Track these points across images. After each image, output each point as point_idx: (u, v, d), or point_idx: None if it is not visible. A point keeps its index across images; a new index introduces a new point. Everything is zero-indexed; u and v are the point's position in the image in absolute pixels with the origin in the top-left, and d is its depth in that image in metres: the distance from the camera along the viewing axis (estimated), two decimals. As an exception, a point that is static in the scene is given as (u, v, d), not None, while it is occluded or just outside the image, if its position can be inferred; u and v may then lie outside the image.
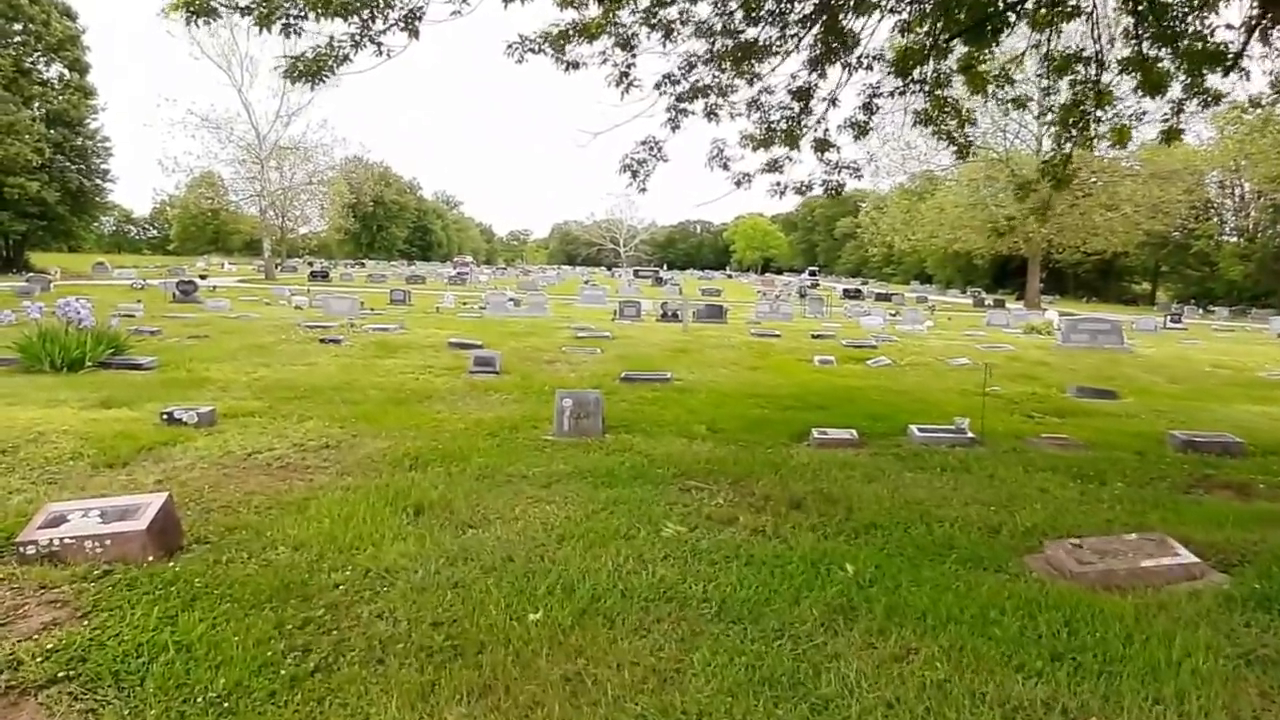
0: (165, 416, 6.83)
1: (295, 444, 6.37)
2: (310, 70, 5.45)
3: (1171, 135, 9.30)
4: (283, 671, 2.91)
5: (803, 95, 8.82)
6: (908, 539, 4.56)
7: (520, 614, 3.43)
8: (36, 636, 3.09)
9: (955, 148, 9.42)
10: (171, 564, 3.78)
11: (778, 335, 18.37)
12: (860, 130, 8.60)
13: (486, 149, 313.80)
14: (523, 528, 4.57)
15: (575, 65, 8.19)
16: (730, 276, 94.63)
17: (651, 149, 8.51)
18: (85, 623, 3.21)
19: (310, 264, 65.52)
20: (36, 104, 41.03)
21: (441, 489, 5.18)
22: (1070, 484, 5.80)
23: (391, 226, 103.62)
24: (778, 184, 9.18)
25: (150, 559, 3.79)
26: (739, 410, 8.45)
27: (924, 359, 14.18)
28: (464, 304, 28.37)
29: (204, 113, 47.04)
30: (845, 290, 55.30)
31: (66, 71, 43.69)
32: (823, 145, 8.75)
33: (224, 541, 4.18)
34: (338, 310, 20.09)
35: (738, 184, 9.38)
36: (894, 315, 29.06)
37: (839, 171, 8.92)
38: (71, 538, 3.80)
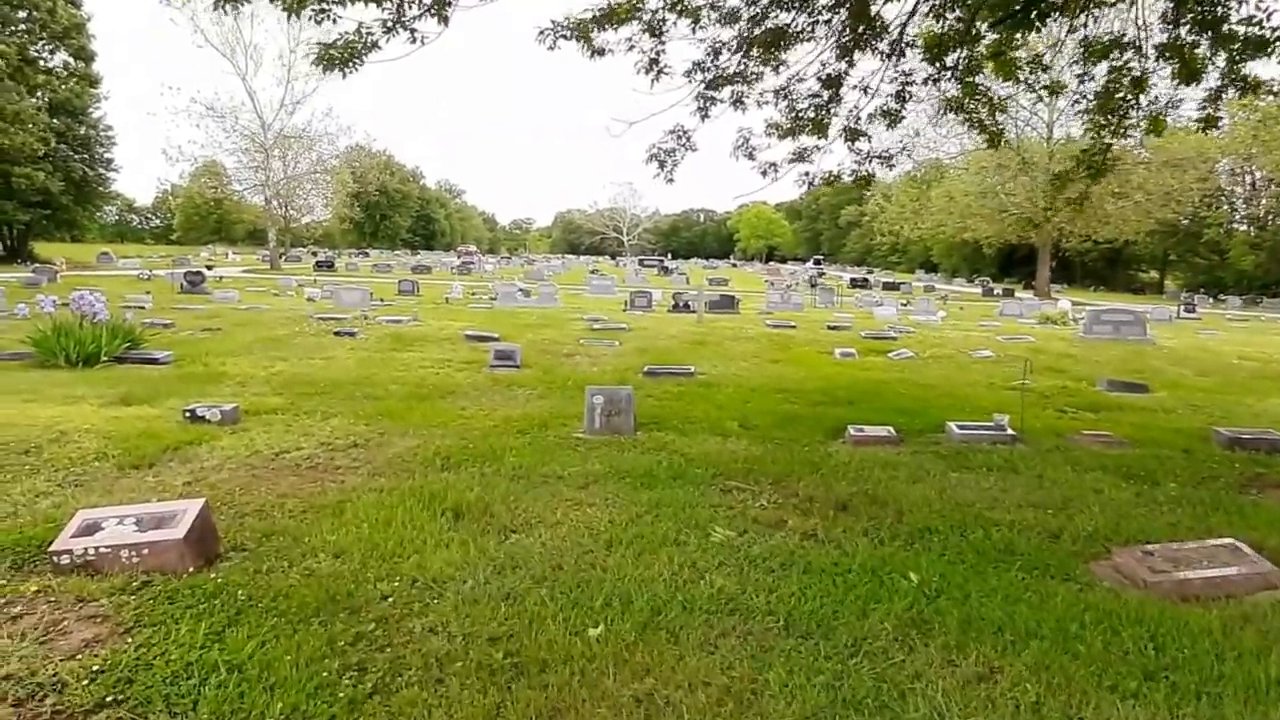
0: (188, 414, 6.68)
1: (322, 443, 6.23)
2: (343, 57, 5.26)
3: (1209, 122, 9.11)
4: (340, 694, 2.76)
5: (832, 83, 8.62)
6: (966, 545, 4.40)
7: (580, 628, 3.28)
8: (79, 656, 2.94)
9: (986, 136, 9.24)
10: (212, 574, 3.63)
11: (793, 326, 18.17)
12: (893, 119, 8.39)
13: (490, 137, 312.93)
14: (567, 533, 4.42)
15: (601, 52, 8.01)
16: (735, 265, 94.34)
17: (680, 138, 8.32)
18: (129, 640, 3.07)
19: (314, 254, 65.39)
20: (40, 93, 40.75)
21: (478, 491, 5.03)
22: (1123, 485, 5.63)
23: (395, 215, 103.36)
24: (806, 174, 9.00)
25: (190, 569, 3.65)
26: (768, 406, 8.28)
27: (945, 351, 13.99)
28: (472, 294, 28.19)
29: (209, 101, 46.73)
30: (853, 279, 55.04)
31: (71, 59, 43.42)
32: (854, 134, 8.55)
33: (262, 549, 4.03)
34: (348, 302, 19.91)
35: (764, 174, 9.20)
36: (905, 305, 28.84)
37: (870, 161, 8.72)
38: (107, 547, 3.65)
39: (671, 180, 8.51)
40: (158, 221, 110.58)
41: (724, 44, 8.54)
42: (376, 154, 74.35)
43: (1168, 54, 8.45)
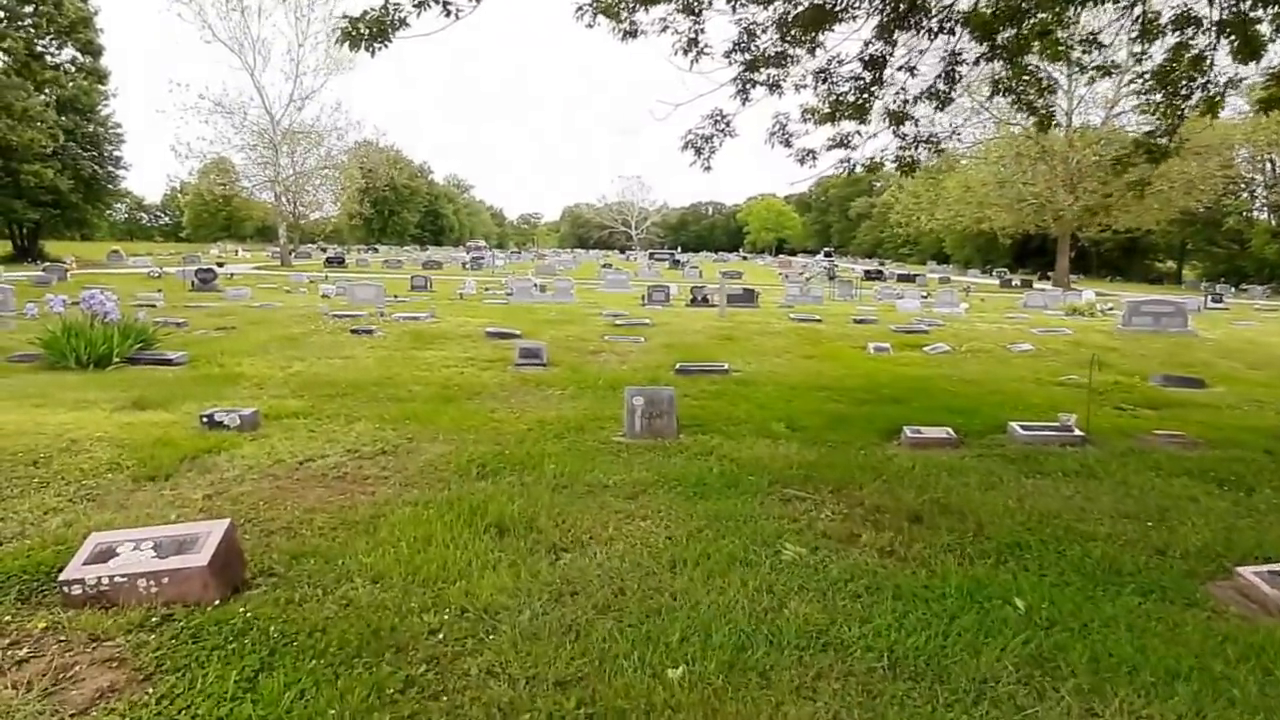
0: (205, 420, 6.31)
1: (349, 450, 5.85)
2: (371, 33, 4.86)
3: (1271, 103, 8.65)
4: (395, 757, 2.38)
5: (875, 64, 8.18)
6: (1065, 563, 3.99)
7: (658, 669, 2.89)
8: (93, 710, 2.57)
9: (1036, 119, 8.78)
10: (239, 606, 3.25)
11: (819, 320, 17.71)
12: (942, 100, 7.93)
13: (498, 132, 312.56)
14: (623, 551, 4.03)
15: (634, 33, 7.62)
16: (745, 258, 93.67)
17: (718, 123, 7.89)
18: (149, 689, 2.69)
19: (324, 250, 65.09)
20: (48, 89, 40.45)
21: (520, 503, 4.64)
22: (1216, 492, 5.21)
23: (403, 211, 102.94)
24: (846, 160, 8.56)
25: (216, 600, 3.27)
26: (812, 405, 7.87)
27: (983, 345, 13.51)
28: (486, 290, 27.80)
29: (217, 97, 46.30)
30: (866, 272, 54.45)
31: (79, 55, 43.09)
32: (899, 118, 8.10)
33: (292, 573, 3.65)
34: (363, 298, 19.53)
35: (801, 161, 8.78)
36: (926, 297, 28.31)
37: (916, 146, 8.27)
38: (123, 575, 3.28)
39: (709, 168, 8.09)
40: (167, 219, 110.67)
41: (759, 25, 8.12)
42: (385, 149, 74.01)
43: (1227, 30, 7.98)
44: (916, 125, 8.18)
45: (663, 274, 46.90)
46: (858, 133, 8.56)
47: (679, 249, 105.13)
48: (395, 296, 22.36)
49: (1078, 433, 6.44)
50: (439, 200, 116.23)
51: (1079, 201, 40.83)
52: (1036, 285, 42.95)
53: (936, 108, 8.01)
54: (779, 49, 8.09)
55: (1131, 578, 3.82)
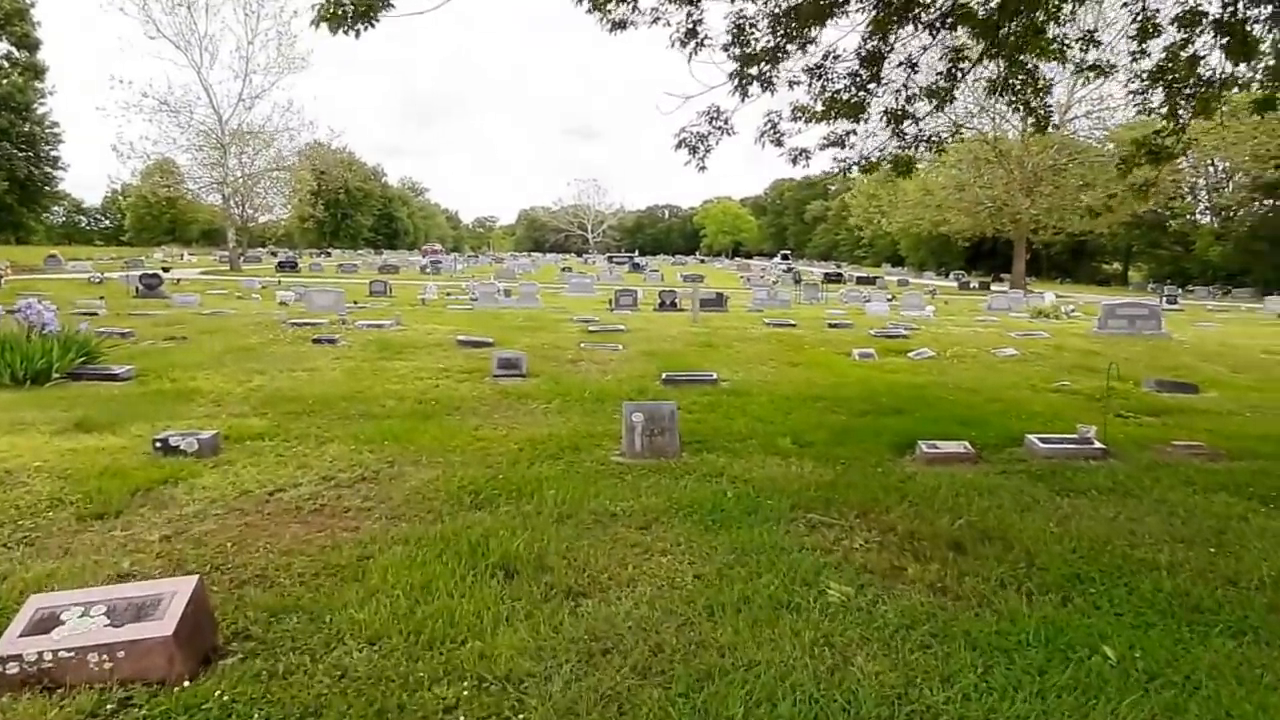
0: (159, 445, 5.68)
1: (324, 477, 5.29)
2: (358, 11, 4.32)
3: (1265, 105, 8.53)
4: None
5: (872, 61, 7.85)
6: (1137, 599, 3.63)
7: (725, 755, 2.44)
8: (34, 843, 2.03)
9: (1034, 120, 8.55)
10: (213, 685, 2.71)
11: (794, 325, 17.40)
12: (942, 98, 7.62)
13: (453, 133, 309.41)
14: (650, 595, 3.57)
15: (622, 25, 7.22)
16: (702, 261, 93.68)
17: (713, 120, 7.48)
18: (106, 808, 2.15)
19: (274, 254, 63.30)
20: (-20, 87, 38.58)
21: (524, 538, 4.16)
22: (1261, 510, 4.92)
23: (357, 214, 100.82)
24: (842, 160, 8.23)
25: (185, 678, 2.73)
26: (812, 418, 7.49)
27: (967, 350, 13.27)
28: (448, 295, 27.06)
29: (162, 95, 44.47)
30: (826, 274, 54.67)
31: (14, 50, 41.13)
32: (898, 116, 7.78)
33: (272, 635, 3.12)
34: (322, 305, 18.66)
35: (794, 161, 8.44)
36: (892, 300, 28.32)
37: (917, 145, 7.96)
38: (69, 649, 2.72)
39: (704, 168, 7.68)
40: (108, 222, 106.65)
41: (749, 19, 7.75)
42: (338, 151, 72.20)
43: (1224, 30, 7.84)
44: (918, 124, 7.86)
45: (625, 278, 46.47)
46: (852, 131, 8.23)
47: (636, 251, 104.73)
48: (355, 303, 21.54)
49: (1098, 445, 6.16)
50: (393, 203, 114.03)
51: (1035, 205, 41.48)
52: (995, 287, 43.49)
53: (936, 106, 7.69)
54: (772, 43, 7.73)
55: (1214, 615, 3.47)
